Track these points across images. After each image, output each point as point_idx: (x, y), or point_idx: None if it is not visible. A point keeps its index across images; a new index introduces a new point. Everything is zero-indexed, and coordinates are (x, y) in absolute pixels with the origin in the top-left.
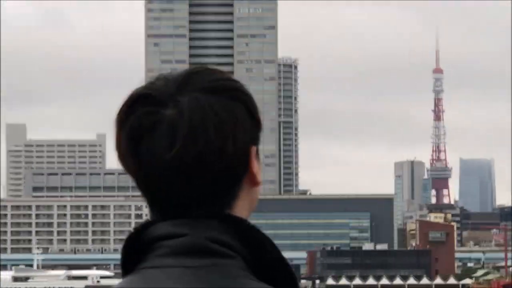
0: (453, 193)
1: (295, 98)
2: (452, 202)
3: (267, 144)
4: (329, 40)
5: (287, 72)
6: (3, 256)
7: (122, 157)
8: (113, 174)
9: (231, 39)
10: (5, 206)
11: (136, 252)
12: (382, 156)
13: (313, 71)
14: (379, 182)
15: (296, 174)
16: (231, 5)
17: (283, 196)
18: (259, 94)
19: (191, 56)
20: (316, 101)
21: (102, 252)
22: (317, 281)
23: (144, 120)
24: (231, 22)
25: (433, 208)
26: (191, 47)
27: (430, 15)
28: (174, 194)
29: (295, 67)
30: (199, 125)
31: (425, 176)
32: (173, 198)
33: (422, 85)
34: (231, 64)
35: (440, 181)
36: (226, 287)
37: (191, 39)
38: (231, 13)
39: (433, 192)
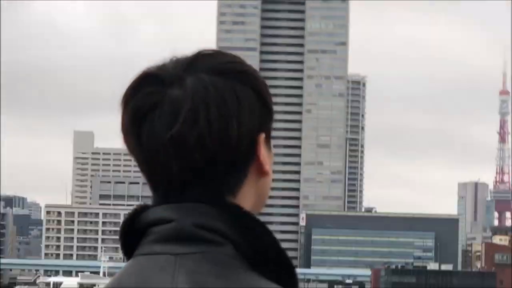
0: None
1: (362, 116)
2: None
3: (334, 160)
4: (397, 58)
5: (355, 89)
6: (69, 262)
7: (125, 138)
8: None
9: (302, 54)
10: (72, 213)
11: (133, 237)
12: (445, 176)
13: (380, 89)
14: (442, 202)
15: (361, 191)
16: (303, 20)
17: (348, 212)
18: (328, 110)
19: (261, 69)
20: (382, 119)
21: None
22: None
23: (147, 99)
24: (302, 37)
25: (497, 230)
26: (261, 61)
27: (498, 35)
28: (173, 176)
29: (363, 84)
30: (201, 105)
31: (488, 198)
32: (172, 180)
33: (488, 106)
34: (301, 79)
35: (503, 204)
36: (209, 275)
37: (261, 52)
38: (303, 28)
39: (496, 214)
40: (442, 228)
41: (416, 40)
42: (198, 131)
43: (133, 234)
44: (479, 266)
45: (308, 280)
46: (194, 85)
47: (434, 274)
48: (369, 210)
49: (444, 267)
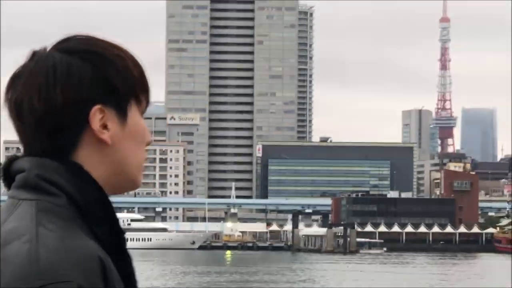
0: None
1: (310, 46)
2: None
3: (286, 91)
4: None
5: (303, 19)
6: None
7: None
8: None
9: None
10: None
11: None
12: (389, 105)
13: (325, 19)
14: (386, 131)
15: (310, 122)
16: None
17: (304, 142)
18: (279, 41)
19: (212, 1)
20: (327, 50)
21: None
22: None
23: (17, 71)
24: None
25: (444, 157)
26: None
27: None
28: (22, 136)
29: (311, 14)
30: (35, 75)
31: (431, 125)
32: (24, 140)
33: (429, 34)
34: (252, 10)
35: (445, 130)
36: (30, 218)
37: None
38: None
39: (438, 141)
40: (397, 157)
41: None
42: (29, 96)
43: (11, 179)
44: (438, 193)
45: (265, 211)
46: (38, 59)
47: (394, 202)
48: (324, 140)
49: (404, 195)
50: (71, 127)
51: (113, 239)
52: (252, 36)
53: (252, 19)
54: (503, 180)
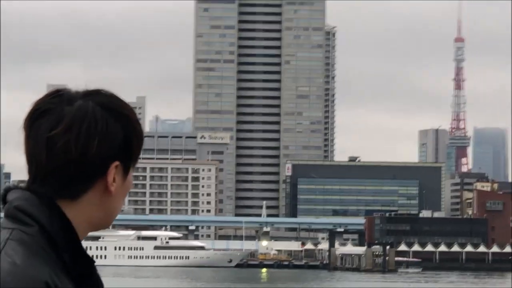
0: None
1: (333, 66)
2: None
3: (313, 111)
4: (360, 9)
5: (327, 39)
6: None
7: (23, 129)
8: (152, 136)
9: (280, 6)
10: None
11: None
12: (405, 123)
13: (343, 38)
14: (403, 149)
15: (333, 141)
16: None
17: (332, 162)
18: (306, 61)
19: (240, 22)
20: (345, 69)
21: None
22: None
23: (45, 104)
24: None
25: (465, 176)
26: (240, 13)
27: None
28: (41, 167)
29: (334, 35)
30: (77, 121)
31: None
32: (38, 171)
33: (444, 54)
34: (279, 30)
35: (459, 150)
36: (6, 244)
37: (240, 5)
38: None
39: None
40: (425, 176)
41: None
42: (67, 138)
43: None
44: (470, 212)
45: (296, 229)
46: (80, 106)
47: (427, 221)
48: (353, 159)
49: (436, 214)
50: (90, 175)
51: (76, 265)
52: (279, 56)
53: (279, 39)
54: None
